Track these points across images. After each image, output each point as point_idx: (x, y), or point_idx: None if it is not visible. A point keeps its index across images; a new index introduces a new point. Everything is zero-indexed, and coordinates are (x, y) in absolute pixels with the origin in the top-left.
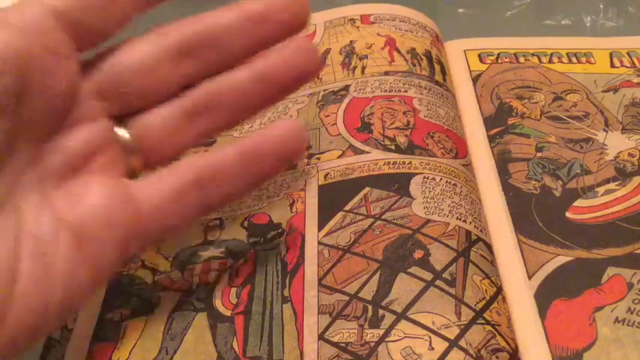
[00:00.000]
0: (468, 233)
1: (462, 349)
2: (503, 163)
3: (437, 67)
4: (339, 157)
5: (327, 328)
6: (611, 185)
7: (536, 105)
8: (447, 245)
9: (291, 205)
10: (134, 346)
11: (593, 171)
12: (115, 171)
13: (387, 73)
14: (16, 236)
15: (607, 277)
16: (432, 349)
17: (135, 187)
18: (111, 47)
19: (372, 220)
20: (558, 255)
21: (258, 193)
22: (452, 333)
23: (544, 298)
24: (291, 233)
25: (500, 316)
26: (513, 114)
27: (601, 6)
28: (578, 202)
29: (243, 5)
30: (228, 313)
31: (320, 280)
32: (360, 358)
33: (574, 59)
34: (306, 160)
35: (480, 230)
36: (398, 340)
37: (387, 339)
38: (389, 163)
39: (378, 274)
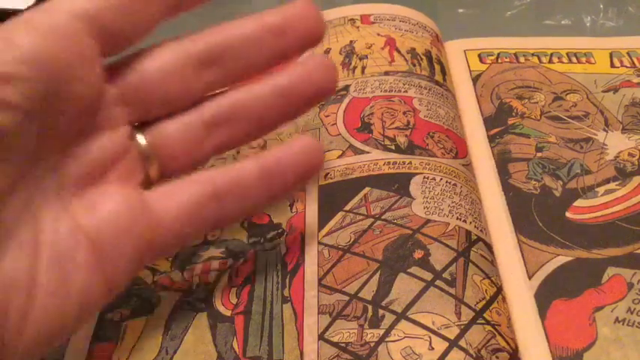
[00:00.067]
0: (468, 233)
1: (462, 349)
2: (503, 163)
3: (437, 67)
4: (339, 157)
5: (327, 328)
6: (611, 185)
7: (536, 105)
8: (447, 245)
9: (291, 205)
10: (134, 346)
11: (593, 171)
12: (133, 179)
13: (387, 73)
14: (34, 247)
15: (607, 277)
16: (432, 349)
17: (152, 197)
18: (135, 53)
19: (372, 220)
20: (558, 255)
21: None
22: (452, 333)
23: (544, 298)
24: (291, 233)
25: (500, 316)
26: (513, 114)
27: (601, 6)
28: (578, 202)
29: (262, 17)
30: (228, 313)
31: (320, 280)
32: (360, 358)
33: (574, 59)
34: None
35: (480, 230)
36: (398, 340)
37: (387, 339)
38: (389, 163)
39: (378, 274)
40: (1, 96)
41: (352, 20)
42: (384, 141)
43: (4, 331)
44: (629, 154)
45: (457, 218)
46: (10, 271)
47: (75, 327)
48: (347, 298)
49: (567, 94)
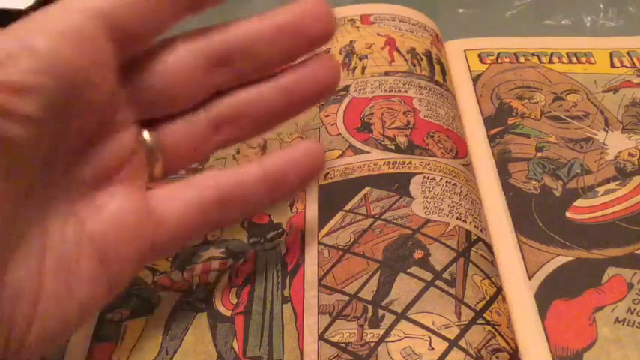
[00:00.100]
0: (468, 233)
1: (462, 349)
2: (503, 163)
3: (437, 67)
4: (339, 157)
5: (327, 328)
6: (611, 185)
7: (536, 105)
8: (447, 245)
9: (291, 205)
10: (134, 346)
11: (593, 171)
12: (139, 179)
13: (387, 73)
14: (42, 253)
15: (607, 277)
16: (432, 349)
17: (156, 198)
18: (145, 51)
19: (372, 220)
20: (558, 255)
21: None
22: (452, 333)
23: (544, 298)
24: (291, 233)
25: (500, 316)
26: (513, 114)
27: (601, 6)
28: (578, 202)
29: (273, 16)
30: (228, 313)
31: (320, 280)
32: (360, 358)
33: (574, 59)
34: None
35: (480, 230)
36: (398, 340)
37: (387, 339)
38: (389, 163)
39: (378, 274)
40: (19, 107)
41: (352, 20)
42: (384, 141)
43: (10, 337)
44: (629, 154)
45: (457, 218)
46: (18, 280)
47: (76, 326)
48: (347, 298)
49: (567, 94)
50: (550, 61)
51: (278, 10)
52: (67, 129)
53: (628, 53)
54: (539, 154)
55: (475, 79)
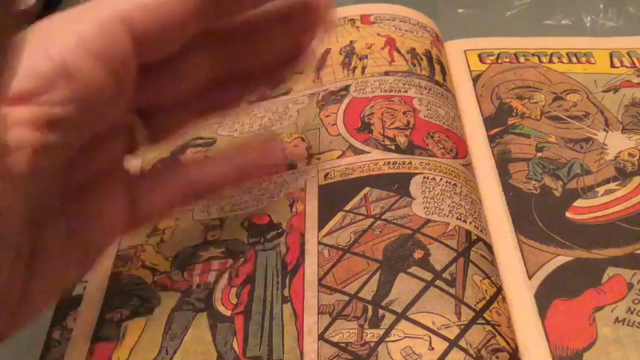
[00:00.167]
0: (468, 233)
1: (462, 349)
2: (503, 163)
3: (437, 67)
4: (339, 157)
5: (327, 328)
6: (612, 185)
7: (536, 105)
8: (447, 245)
9: (291, 205)
10: (134, 346)
11: (593, 171)
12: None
13: (387, 73)
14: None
15: (607, 277)
16: (432, 349)
17: (139, 190)
18: None
19: (372, 220)
20: (558, 255)
21: (258, 193)
22: (452, 333)
23: (544, 298)
24: (291, 233)
25: (500, 316)
26: (513, 114)
27: (601, 6)
28: (578, 202)
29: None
30: (228, 313)
31: (320, 280)
32: (360, 358)
33: (574, 59)
34: (306, 160)
35: (480, 230)
36: (398, 340)
37: (387, 339)
38: (389, 163)
39: (378, 274)
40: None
41: (352, 20)
42: (384, 141)
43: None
44: (629, 154)
45: (457, 218)
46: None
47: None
48: (347, 298)
49: (567, 94)
50: (550, 61)
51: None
52: (80, 139)
53: (628, 53)
54: (539, 154)
55: (475, 79)
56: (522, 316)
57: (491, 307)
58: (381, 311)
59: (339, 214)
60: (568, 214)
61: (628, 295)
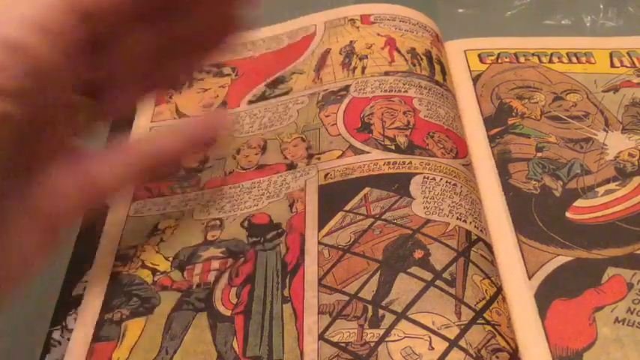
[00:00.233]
0: (468, 233)
1: (462, 349)
2: (503, 163)
3: (437, 67)
4: (339, 157)
5: (327, 328)
6: (611, 185)
7: (536, 105)
8: (447, 245)
9: (291, 205)
10: (134, 346)
11: (593, 171)
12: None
13: (387, 73)
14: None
15: (607, 277)
16: (432, 349)
17: (92, 163)
18: None
19: (372, 220)
20: (558, 255)
21: (257, 193)
22: (452, 333)
23: (544, 298)
24: (291, 233)
25: (500, 316)
26: (513, 114)
27: (601, 6)
28: (578, 202)
29: None
30: (228, 313)
31: (320, 280)
32: (360, 358)
33: (574, 59)
34: (306, 160)
35: (480, 230)
36: (398, 340)
37: (387, 339)
38: (389, 163)
39: (378, 274)
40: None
41: (352, 20)
42: (384, 141)
43: None
44: (629, 155)
45: (457, 218)
46: None
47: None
48: (347, 298)
49: (567, 94)
50: (550, 61)
51: None
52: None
53: (628, 53)
54: (539, 154)
55: (475, 79)
56: (522, 316)
57: (491, 307)
58: (381, 311)
59: (339, 214)
60: (568, 214)
61: (628, 295)
